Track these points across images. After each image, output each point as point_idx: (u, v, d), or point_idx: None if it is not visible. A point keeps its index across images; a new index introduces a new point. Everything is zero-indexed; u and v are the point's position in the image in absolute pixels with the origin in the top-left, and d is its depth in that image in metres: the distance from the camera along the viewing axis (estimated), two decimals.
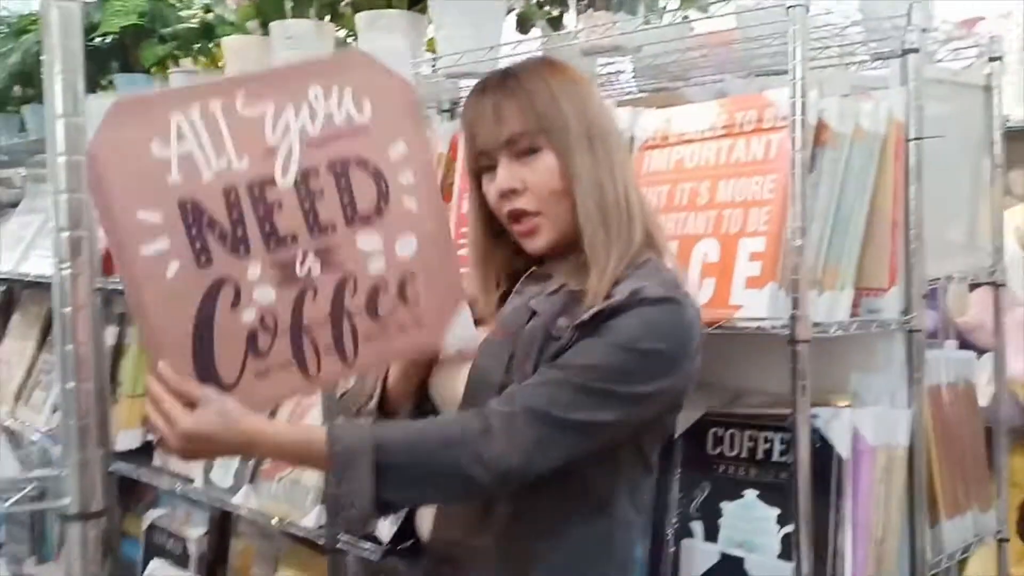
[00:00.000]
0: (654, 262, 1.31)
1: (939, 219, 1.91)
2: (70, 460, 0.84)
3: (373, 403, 1.44)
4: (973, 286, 2.60)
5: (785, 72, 1.62)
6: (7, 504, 0.87)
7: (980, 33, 3.03)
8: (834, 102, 1.73)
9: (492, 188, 1.32)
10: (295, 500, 2.41)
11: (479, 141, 1.31)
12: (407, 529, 1.44)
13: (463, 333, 1.32)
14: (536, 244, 1.32)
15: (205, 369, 1.14)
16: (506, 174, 1.29)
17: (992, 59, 2.11)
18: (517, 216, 1.32)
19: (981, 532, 1.90)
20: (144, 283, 1.08)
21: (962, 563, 1.93)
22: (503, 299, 1.42)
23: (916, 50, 1.80)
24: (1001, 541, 1.98)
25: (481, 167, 1.34)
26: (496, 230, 1.38)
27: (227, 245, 1.14)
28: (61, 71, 0.86)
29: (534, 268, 1.39)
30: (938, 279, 1.88)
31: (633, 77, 2.32)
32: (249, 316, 1.17)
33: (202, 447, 1.15)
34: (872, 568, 1.57)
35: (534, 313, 1.29)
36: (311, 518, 2.35)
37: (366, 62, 1.22)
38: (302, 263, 1.19)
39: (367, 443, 1.15)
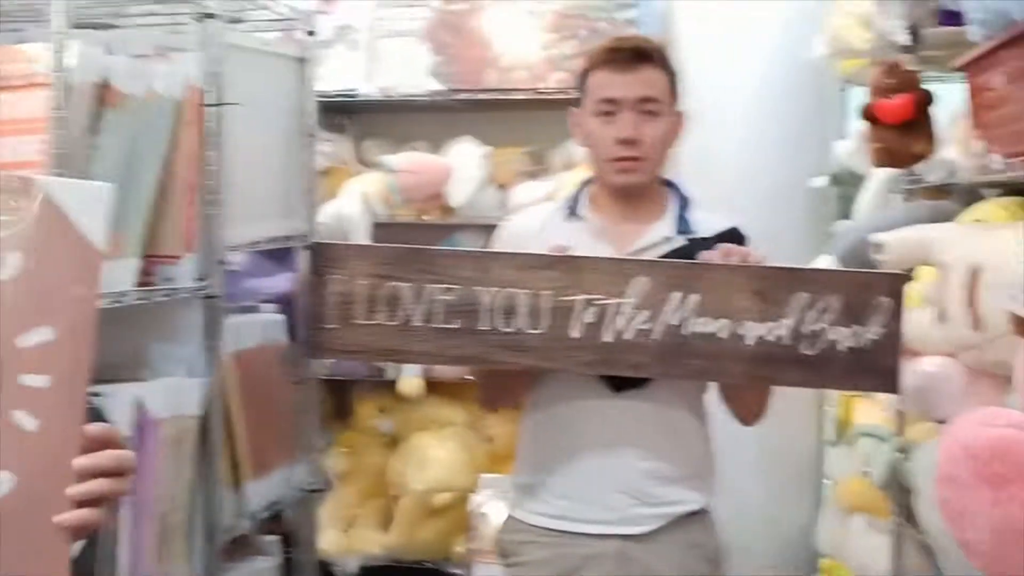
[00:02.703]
0: None
1: (249, 186, 1.95)
2: None
3: None
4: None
5: None
6: None
7: (334, 10, 3.21)
8: (122, 62, 1.63)
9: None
10: None
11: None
12: None
13: None
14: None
15: None
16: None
17: (309, 33, 2.21)
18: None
19: (293, 486, 2.00)
20: None
21: (276, 517, 2.02)
22: None
23: (215, 16, 1.79)
24: (314, 492, 2.11)
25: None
26: None
27: None
28: None
29: None
30: (239, 245, 1.91)
31: None
32: None
33: None
34: (154, 543, 1.54)
35: None
36: None
37: (50, 212, 0.80)
38: None
39: None
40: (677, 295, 1.34)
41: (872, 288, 1.34)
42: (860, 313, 1.33)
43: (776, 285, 1.35)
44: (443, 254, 1.44)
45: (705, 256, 1.41)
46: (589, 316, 1.35)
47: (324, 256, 1.40)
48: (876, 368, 1.34)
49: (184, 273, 1.69)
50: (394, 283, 1.37)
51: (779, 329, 1.34)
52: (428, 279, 1.37)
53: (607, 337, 1.35)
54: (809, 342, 1.34)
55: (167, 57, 1.75)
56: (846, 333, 1.33)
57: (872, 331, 1.33)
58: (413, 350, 1.39)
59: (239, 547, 1.82)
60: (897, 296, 1.34)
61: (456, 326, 1.37)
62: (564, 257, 1.38)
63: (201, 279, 1.73)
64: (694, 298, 1.34)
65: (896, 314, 1.33)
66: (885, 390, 1.38)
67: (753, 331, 1.34)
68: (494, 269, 1.37)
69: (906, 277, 1.38)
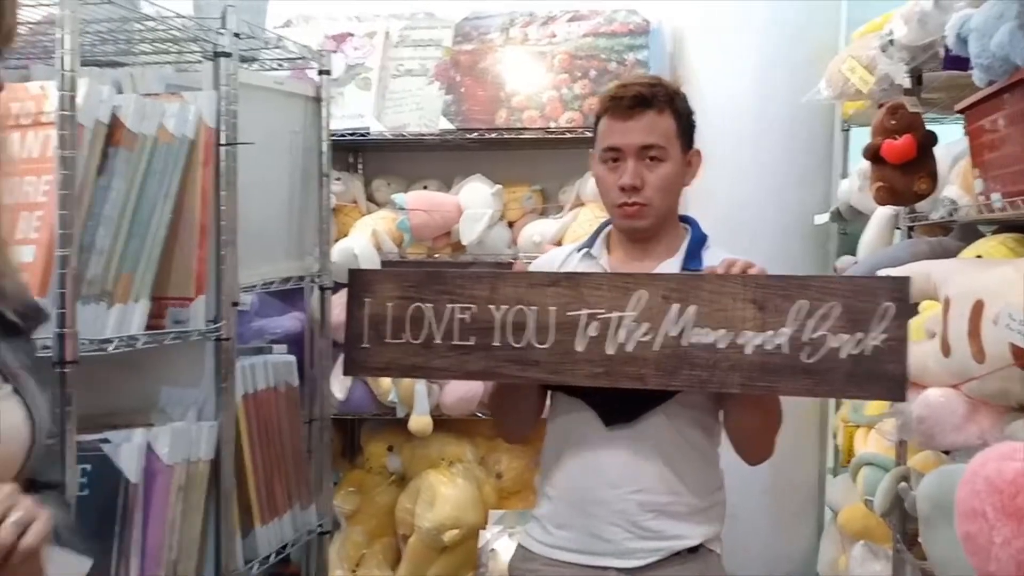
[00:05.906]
0: None
1: (261, 225, 1.92)
2: None
3: None
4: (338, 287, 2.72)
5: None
6: None
7: (346, 49, 3.22)
8: (132, 100, 1.61)
9: None
10: None
11: None
12: None
13: None
14: None
15: None
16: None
17: (322, 72, 2.19)
18: None
19: (302, 528, 1.95)
20: None
21: (286, 559, 1.97)
22: None
23: (228, 54, 1.78)
24: (324, 533, 2.07)
25: None
26: None
27: None
28: None
29: None
30: (254, 286, 1.88)
31: None
32: None
33: None
34: None
35: None
36: None
37: None
38: None
39: None
40: (676, 307, 1.38)
41: (875, 294, 1.33)
42: (862, 319, 1.32)
43: (774, 294, 1.36)
44: (460, 276, 1.53)
45: (707, 268, 1.46)
46: (592, 330, 1.41)
47: (358, 281, 1.55)
48: (881, 374, 1.32)
49: (195, 315, 1.66)
50: (417, 304, 1.49)
51: (778, 338, 1.35)
52: (447, 299, 1.48)
53: (610, 350, 1.40)
54: (809, 350, 1.34)
55: (178, 96, 1.74)
56: (848, 340, 1.32)
57: (875, 337, 1.32)
58: (433, 366, 1.49)
59: None
60: (901, 301, 1.33)
61: (471, 343, 1.46)
62: (568, 274, 1.47)
63: (213, 321, 1.69)
64: (692, 309, 1.37)
65: (901, 319, 1.32)
66: (891, 397, 1.35)
67: (752, 341, 1.35)
68: (505, 288, 1.47)
69: (907, 280, 1.35)
